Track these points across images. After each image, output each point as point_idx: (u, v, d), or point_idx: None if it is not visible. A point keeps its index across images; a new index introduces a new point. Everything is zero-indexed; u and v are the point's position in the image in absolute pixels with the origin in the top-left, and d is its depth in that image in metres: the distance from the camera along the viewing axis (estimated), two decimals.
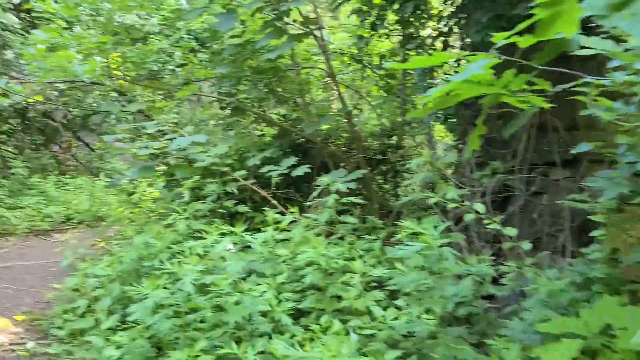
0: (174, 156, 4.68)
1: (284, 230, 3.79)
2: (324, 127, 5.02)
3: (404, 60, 5.33)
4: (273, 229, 3.52)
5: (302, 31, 4.91)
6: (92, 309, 3.90)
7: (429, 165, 3.31)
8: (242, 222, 3.26)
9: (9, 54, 8.08)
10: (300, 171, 4.36)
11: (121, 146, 7.65)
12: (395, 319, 2.77)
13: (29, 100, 4.90)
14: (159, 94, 6.73)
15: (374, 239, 3.96)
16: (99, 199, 8.02)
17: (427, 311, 2.65)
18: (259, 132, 5.92)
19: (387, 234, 4.11)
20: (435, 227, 2.57)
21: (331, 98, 7.97)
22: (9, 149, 11.62)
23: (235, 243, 3.00)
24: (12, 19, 7.90)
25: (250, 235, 4.20)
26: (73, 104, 5.18)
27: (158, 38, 8.43)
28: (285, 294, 3.18)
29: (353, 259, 3.49)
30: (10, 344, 4.09)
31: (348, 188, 3.94)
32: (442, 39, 4.01)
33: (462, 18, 3.71)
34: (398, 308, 3.01)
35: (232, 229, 3.17)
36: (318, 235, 3.84)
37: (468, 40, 4.18)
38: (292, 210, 3.88)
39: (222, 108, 5.80)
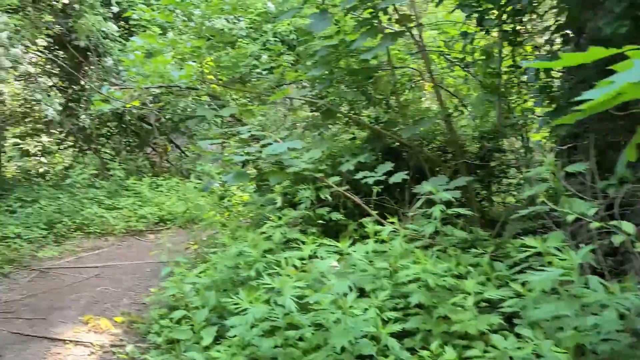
0: (266, 161, 4.60)
1: (382, 241, 3.57)
2: (421, 130, 4.73)
3: (504, 58, 4.92)
4: (373, 240, 3.30)
5: (399, 29, 4.67)
6: (188, 315, 3.88)
7: (550, 175, 2.95)
8: (347, 236, 3.06)
9: (108, 61, 8.47)
10: (397, 178, 4.11)
11: (212, 149, 7.80)
12: (518, 349, 2.45)
13: (128, 105, 4.99)
14: (246, 97, 6.74)
15: (481, 253, 3.62)
16: (191, 202, 8.20)
17: (557, 343, 2.32)
18: (349, 136, 5.73)
19: (494, 247, 3.75)
20: (570, 249, 2.23)
21: (421, 99, 7.63)
22: (107, 151, 12.29)
23: (339, 259, 2.81)
24: (112, 27, 8.27)
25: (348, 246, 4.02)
26: (170, 109, 5.26)
27: (246, 42, 8.50)
28: (388, 312, 2.95)
29: (461, 276, 3.19)
30: (111, 346, 4.18)
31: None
32: (561, 33, 3.59)
33: (587, 8, 3.30)
34: (516, 334, 2.69)
35: (335, 243, 2.98)
36: (419, 248, 3.57)
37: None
38: (391, 220, 3.64)
39: (312, 111, 5.67)
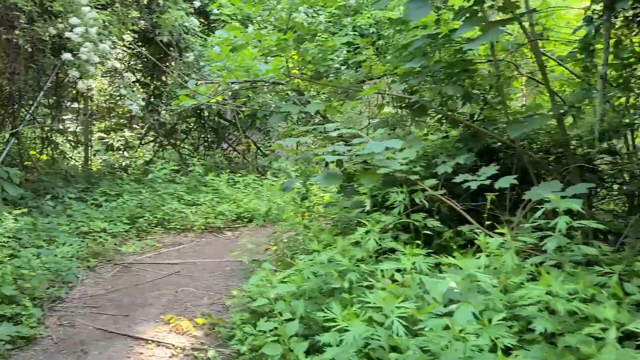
0: (351, 161, 4.30)
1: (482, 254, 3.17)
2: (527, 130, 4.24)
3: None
4: (485, 254, 2.90)
5: (506, 17, 4.20)
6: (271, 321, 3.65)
7: None
8: (471, 253, 2.69)
9: (190, 57, 8.48)
10: (505, 182, 3.67)
11: (291, 147, 7.61)
12: None
13: (212, 100, 4.85)
14: (325, 93, 6.47)
15: (606, 272, 3.13)
16: (272, 202, 8.05)
17: None
18: (439, 135, 5.31)
19: (622, 265, 3.24)
20: None
21: (518, 95, 7.05)
22: (186, 147, 12.48)
23: (461, 281, 2.44)
24: (194, 22, 8.26)
25: (444, 256, 3.65)
26: (254, 105, 5.09)
27: (325, 36, 8.24)
28: (504, 339, 2.55)
29: (586, 299, 2.74)
30: (192, 349, 4.04)
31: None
32: None
33: None
34: None
35: (455, 259, 2.60)
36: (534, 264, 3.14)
37: None
38: (501, 230, 3.22)
39: (401, 107, 5.29)
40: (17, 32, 6.48)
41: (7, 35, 6.55)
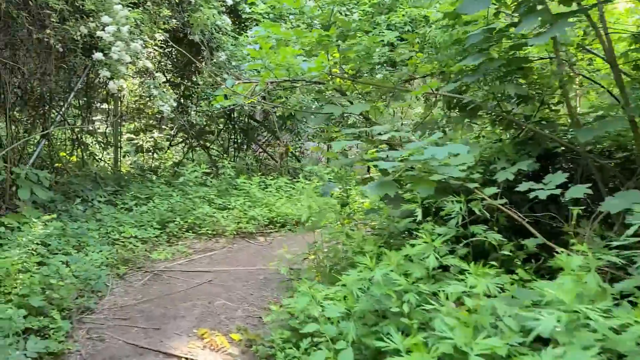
0: (399, 167, 3.94)
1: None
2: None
3: None
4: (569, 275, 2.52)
5: (571, 9, 3.80)
6: (315, 342, 3.34)
7: None
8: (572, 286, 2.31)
9: (222, 56, 8.23)
10: (578, 192, 3.28)
11: (322, 148, 7.31)
12: None
13: (248, 101, 4.56)
14: (359, 94, 6.13)
15: None
16: (310, 207, 7.73)
17: None
18: (493, 138, 4.92)
19: None
20: None
21: (572, 95, 6.60)
22: (215, 148, 12.27)
23: (559, 318, 2.06)
24: (226, 21, 8.01)
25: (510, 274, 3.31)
26: (294, 106, 4.79)
27: (359, 34, 7.91)
28: None
29: None
30: None
31: None
32: None
33: None
34: None
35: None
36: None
37: None
38: (580, 248, 2.83)
39: (449, 108, 4.92)
40: (48, 31, 6.30)
41: (38, 34, 6.37)
